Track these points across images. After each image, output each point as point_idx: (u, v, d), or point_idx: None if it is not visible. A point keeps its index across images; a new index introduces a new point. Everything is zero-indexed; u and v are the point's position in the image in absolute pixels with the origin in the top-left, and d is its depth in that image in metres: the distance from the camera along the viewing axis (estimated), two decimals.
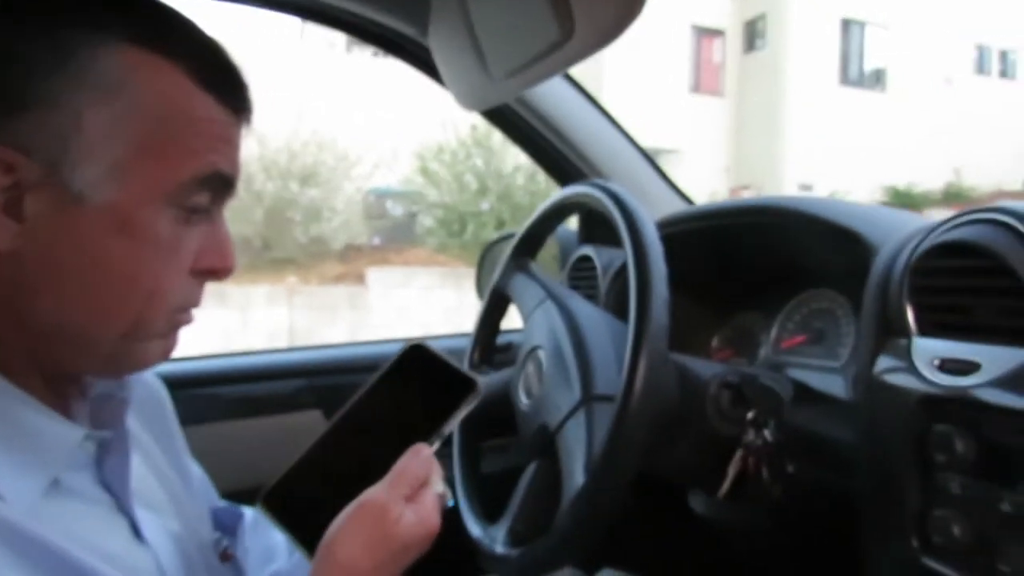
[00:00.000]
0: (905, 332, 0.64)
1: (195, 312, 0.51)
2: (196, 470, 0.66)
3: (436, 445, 0.54)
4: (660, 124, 12.08)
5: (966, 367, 0.56)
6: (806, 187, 12.00)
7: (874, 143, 12.32)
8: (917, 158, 11.86)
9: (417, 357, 0.57)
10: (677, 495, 1.01)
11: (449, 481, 0.76)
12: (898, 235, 0.70)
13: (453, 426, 0.55)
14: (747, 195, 11.48)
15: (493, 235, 1.61)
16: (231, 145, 0.48)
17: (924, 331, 0.63)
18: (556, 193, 0.94)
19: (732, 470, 0.80)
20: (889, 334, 0.66)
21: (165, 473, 0.58)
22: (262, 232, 8.09)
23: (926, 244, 0.62)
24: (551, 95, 1.21)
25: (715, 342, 1.19)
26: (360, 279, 7.82)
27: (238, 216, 7.70)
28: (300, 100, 8.16)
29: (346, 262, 8.15)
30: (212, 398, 1.15)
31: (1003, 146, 13.10)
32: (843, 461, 0.72)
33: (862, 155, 12.07)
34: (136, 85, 0.44)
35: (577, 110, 1.25)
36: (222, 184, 0.48)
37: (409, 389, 0.56)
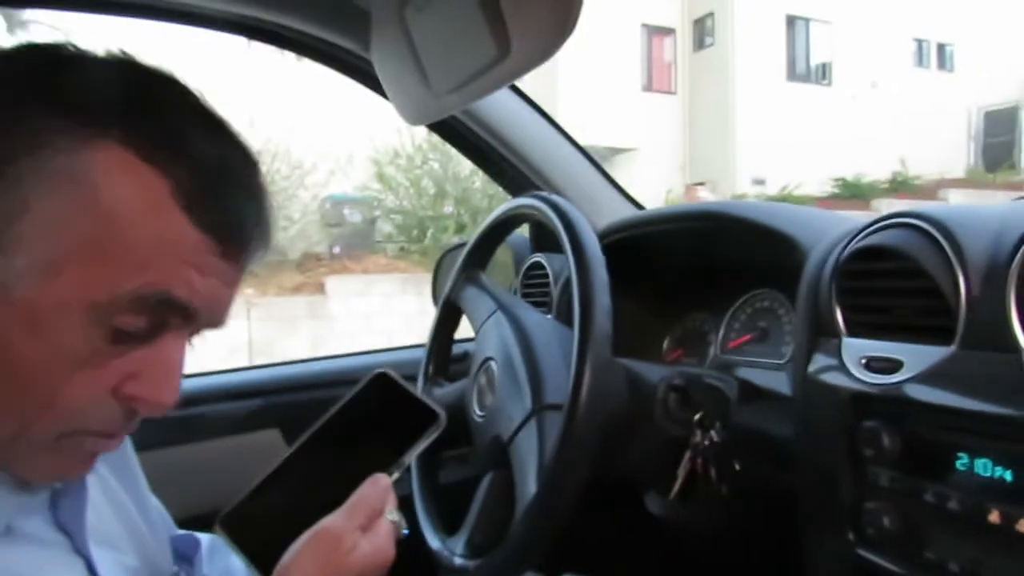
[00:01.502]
0: (835, 332, 0.67)
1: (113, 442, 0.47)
2: (154, 502, 0.65)
3: (396, 475, 0.54)
4: (615, 123, 12.19)
5: (890, 365, 0.59)
6: (759, 181, 12.24)
7: (823, 136, 12.63)
8: (864, 149, 12.19)
9: (382, 386, 0.58)
10: (635, 497, 1.03)
11: (408, 499, 0.76)
12: (827, 238, 0.73)
13: (413, 457, 0.55)
14: (703, 192, 11.66)
15: (453, 239, 1.62)
16: (203, 274, 0.43)
17: (852, 331, 0.65)
18: (501, 206, 0.96)
19: (681, 471, 0.82)
20: (821, 334, 0.69)
21: (125, 507, 0.58)
22: None
23: (850, 248, 0.65)
24: (498, 107, 1.22)
25: (667, 343, 1.21)
26: (319, 288, 7.73)
27: None
28: (251, 109, 8.03)
29: (304, 271, 8.04)
30: (166, 422, 1.13)
31: (945, 136, 13.57)
32: (785, 457, 0.75)
33: (812, 148, 12.36)
34: (101, 186, 0.40)
35: (524, 120, 1.26)
36: (169, 309, 0.43)
37: (372, 418, 0.57)
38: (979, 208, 0.62)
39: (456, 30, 0.73)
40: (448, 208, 8.71)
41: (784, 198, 10.78)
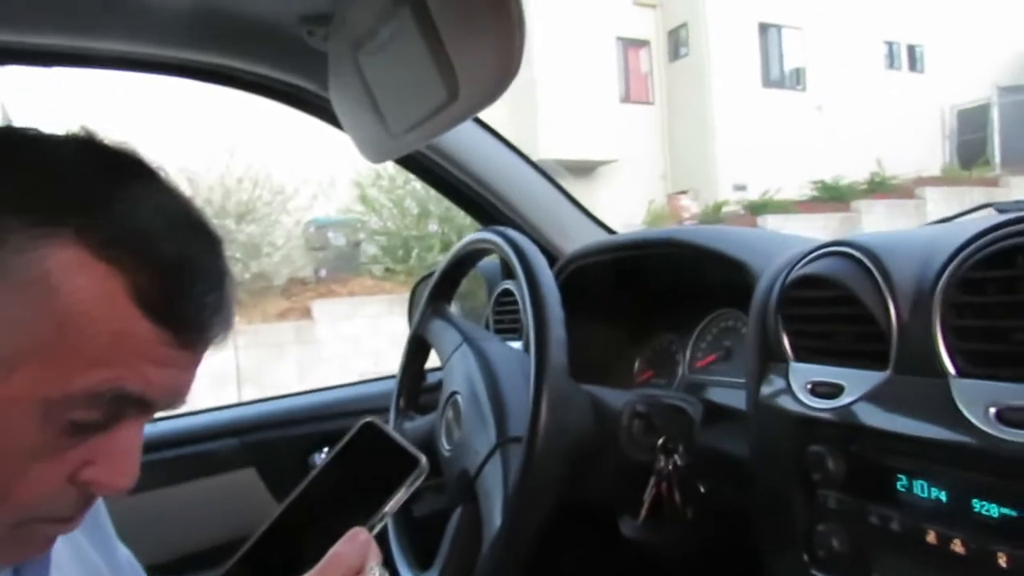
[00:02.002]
0: (783, 357, 0.68)
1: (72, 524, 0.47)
2: (123, 552, 0.65)
3: (378, 527, 0.53)
4: (596, 136, 12.28)
5: (833, 390, 0.61)
6: (740, 187, 12.33)
7: (800, 139, 12.78)
8: (841, 151, 12.33)
9: (369, 435, 0.57)
10: (610, 521, 1.04)
11: (382, 533, 0.76)
12: (775, 263, 0.75)
13: (395, 506, 0.54)
14: (685, 200, 11.75)
15: (439, 258, 1.63)
16: (158, 367, 0.43)
17: (799, 356, 0.67)
18: (461, 240, 0.97)
19: (647, 496, 0.83)
20: (771, 358, 0.70)
21: (94, 564, 0.57)
22: None
23: (792, 276, 0.67)
24: (462, 140, 1.24)
25: (637, 364, 1.23)
26: (306, 313, 7.70)
27: None
28: (231, 136, 8.04)
29: (290, 297, 8.02)
30: (140, 467, 1.13)
31: (919, 135, 13.76)
32: (747, 478, 0.76)
33: (790, 152, 12.50)
34: (55, 286, 0.40)
35: (489, 152, 1.28)
36: (125, 403, 0.43)
37: (360, 468, 0.56)
38: (907, 233, 0.64)
39: (407, 73, 0.74)
40: (433, 227, 8.72)
41: (765, 203, 10.88)
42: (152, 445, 1.16)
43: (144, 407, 0.44)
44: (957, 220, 0.72)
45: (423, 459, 0.55)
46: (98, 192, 0.42)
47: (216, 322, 0.46)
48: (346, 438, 0.57)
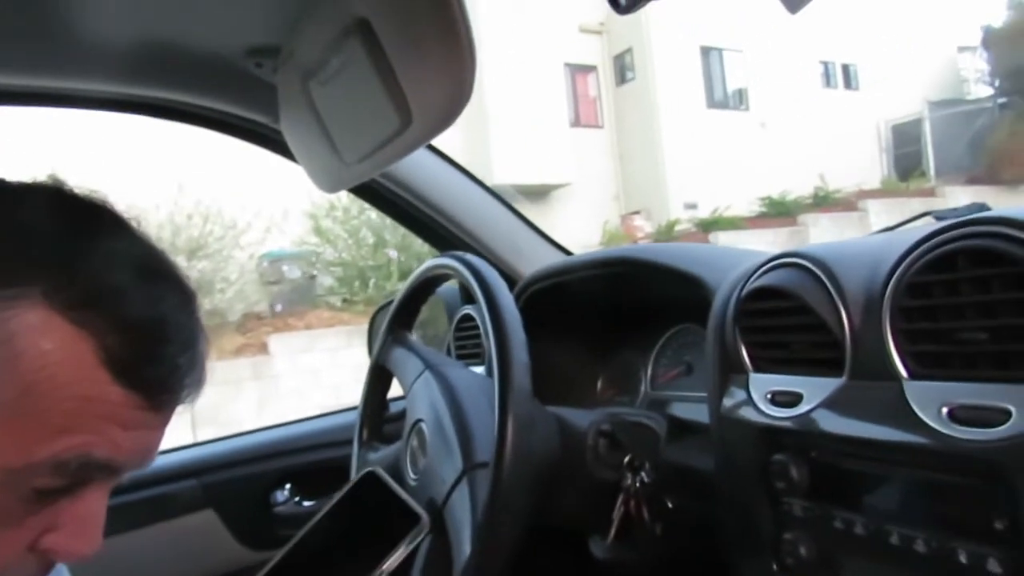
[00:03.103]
0: (743, 368, 0.69)
1: None
2: None
3: None
4: (548, 160, 12.45)
5: (792, 398, 0.62)
6: (691, 205, 12.61)
7: (746, 158, 13.16)
8: (785, 167, 12.75)
9: (369, 485, 0.56)
10: (580, 541, 1.03)
11: None
12: (730, 277, 0.76)
13: (394, 562, 0.53)
14: (639, 220, 11.95)
15: (399, 286, 1.62)
16: (127, 430, 0.42)
17: (758, 367, 0.68)
18: (421, 267, 0.97)
19: (616, 515, 0.83)
20: (731, 370, 0.72)
21: None
22: None
23: (747, 288, 0.68)
24: (416, 167, 1.24)
25: (600, 383, 1.23)
26: (263, 348, 7.56)
27: None
28: (179, 171, 7.90)
29: (246, 332, 7.86)
30: None
31: (858, 150, 14.31)
32: (713, 491, 0.77)
33: (737, 170, 12.85)
34: (20, 349, 0.38)
35: (443, 178, 1.28)
36: (92, 469, 0.42)
37: (358, 519, 0.55)
38: (855, 243, 0.66)
39: (359, 102, 0.75)
40: (392, 253, 8.66)
41: (716, 220, 11.13)
42: None
43: (111, 471, 0.43)
44: (900, 228, 0.74)
45: (425, 516, 0.54)
46: (67, 249, 0.41)
47: (188, 382, 0.45)
48: (345, 488, 0.56)
